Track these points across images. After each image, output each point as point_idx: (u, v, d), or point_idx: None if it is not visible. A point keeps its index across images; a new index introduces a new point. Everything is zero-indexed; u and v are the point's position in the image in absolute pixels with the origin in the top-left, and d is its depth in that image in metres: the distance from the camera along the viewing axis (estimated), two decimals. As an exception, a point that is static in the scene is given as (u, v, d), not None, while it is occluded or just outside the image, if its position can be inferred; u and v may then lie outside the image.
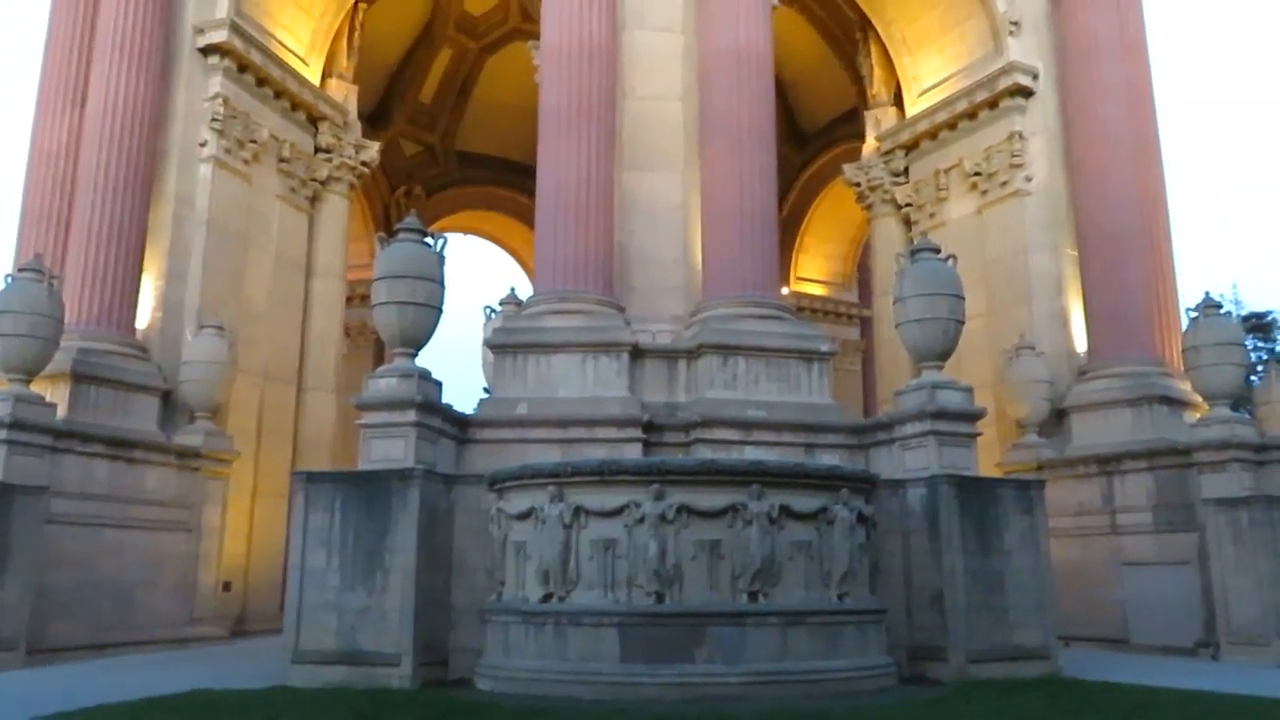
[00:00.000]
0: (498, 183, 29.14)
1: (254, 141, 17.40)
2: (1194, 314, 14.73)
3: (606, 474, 9.89)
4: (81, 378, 13.91)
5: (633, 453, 12.41)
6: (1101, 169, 17.09)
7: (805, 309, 27.10)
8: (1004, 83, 18.04)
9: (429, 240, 11.94)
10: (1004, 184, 18.17)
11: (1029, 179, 17.90)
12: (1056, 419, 16.72)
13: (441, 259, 11.88)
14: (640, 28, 15.14)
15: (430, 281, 11.58)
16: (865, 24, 21.46)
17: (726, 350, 13.31)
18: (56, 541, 12.89)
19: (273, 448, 17.53)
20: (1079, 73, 17.62)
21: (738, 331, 13.42)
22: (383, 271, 11.58)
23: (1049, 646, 11.52)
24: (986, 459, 14.81)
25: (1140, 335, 16.54)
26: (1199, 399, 15.33)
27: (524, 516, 10.16)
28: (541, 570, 9.85)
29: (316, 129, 19.25)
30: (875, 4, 20.44)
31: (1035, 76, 18.07)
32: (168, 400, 15.27)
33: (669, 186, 14.70)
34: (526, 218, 25.03)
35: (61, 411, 13.55)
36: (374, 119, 25.63)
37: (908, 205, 20.21)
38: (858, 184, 20.92)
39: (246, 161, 17.29)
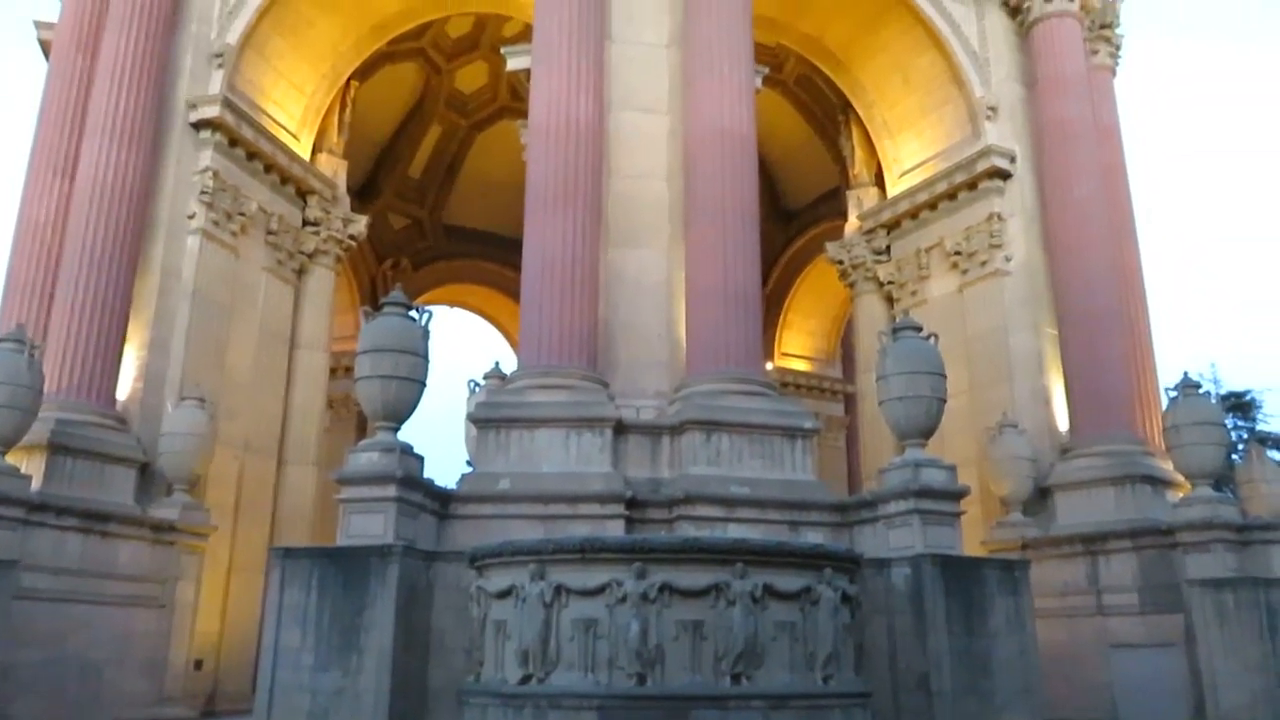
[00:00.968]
0: (484, 256, 29.36)
1: (242, 214, 17.52)
2: (1173, 393, 14.86)
3: (588, 552, 9.77)
4: (58, 449, 13.75)
5: (616, 529, 12.29)
6: (1079, 249, 17.40)
7: (789, 385, 27.17)
8: (982, 165, 18.44)
9: (414, 314, 11.97)
10: (984, 263, 18.45)
11: (1008, 259, 18.18)
12: (1040, 497, 16.71)
13: (426, 333, 11.91)
14: (627, 109, 15.46)
15: (414, 355, 11.59)
16: (847, 107, 21.98)
17: (710, 426, 13.30)
18: (24, 617, 12.57)
19: (250, 522, 17.28)
20: (1055, 156, 18.05)
21: (721, 408, 13.42)
22: (366, 345, 11.58)
23: (1037, 731, 11.33)
24: (971, 537, 14.75)
25: (1121, 414, 16.65)
26: (1181, 478, 15.38)
27: (504, 595, 10.00)
28: (521, 650, 9.66)
29: (305, 202, 19.41)
30: (856, 88, 20.96)
31: (1013, 159, 18.49)
32: (145, 472, 15.07)
33: (654, 263, 14.86)
34: (512, 291, 25.17)
35: (36, 483, 13.35)
36: (363, 193, 25.91)
37: (890, 283, 20.45)
38: (840, 262, 21.19)
39: (234, 234, 17.38)
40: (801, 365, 28.74)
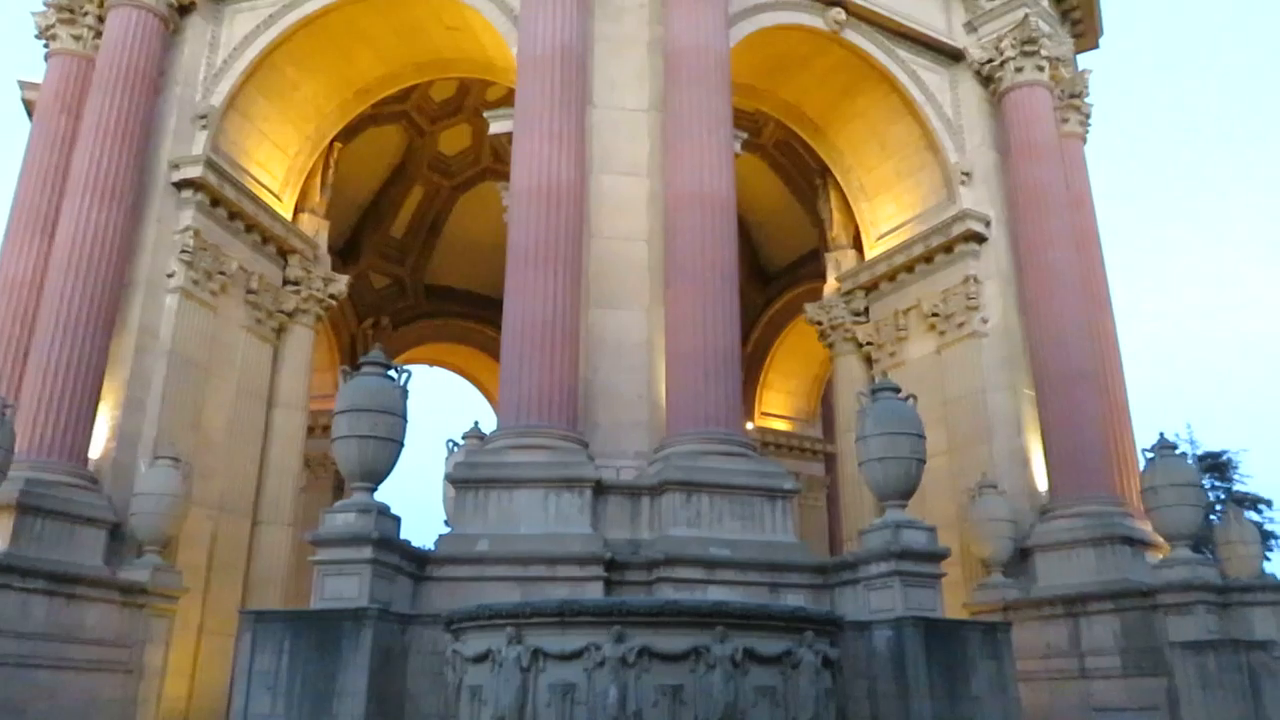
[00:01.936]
0: (465, 316, 29.41)
1: (223, 273, 17.50)
2: (1150, 455, 14.95)
3: (566, 615, 9.63)
4: (27, 509, 13.49)
5: (595, 591, 12.14)
6: (1054, 312, 17.61)
7: (770, 444, 27.19)
8: (957, 229, 18.73)
9: (392, 373, 11.94)
10: (961, 325, 18.63)
11: (985, 320, 18.37)
12: (1021, 558, 16.66)
13: (405, 392, 11.87)
14: (607, 172, 15.65)
15: (392, 415, 11.53)
16: (825, 171, 22.34)
17: (690, 487, 13.24)
18: (-15, 684, 12.24)
19: (222, 584, 16.96)
20: (1028, 221, 18.37)
21: (701, 468, 13.38)
22: (344, 405, 11.52)
23: (1022, 799, 11.15)
24: (952, 599, 14.66)
25: (1099, 475, 16.71)
26: (1160, 539, 15.40)
27: (480, 659, 9.82)
28: (497, 717, 9.44)
29: (286, 262, 19.42)
30: (833, 153, 21.33)
31: (987, 224, 18.79)
32: (116, 533, 14.80)
33: (634, 324, 14.92)
34: (493, 350, 25.18)
35: (3, 544, 13.10)
36: (344, 252, 26.00)
37: (869, 344, 20.59)
38: (819, 323, 21.34)
39: (214, 293, 17.35)
40: (782, 425, 28.78)
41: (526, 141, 14.83)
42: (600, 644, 9.30)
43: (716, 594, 12.09)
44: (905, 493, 12.53)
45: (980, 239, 18.74)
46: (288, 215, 19.64)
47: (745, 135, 16.95)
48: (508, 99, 16.94)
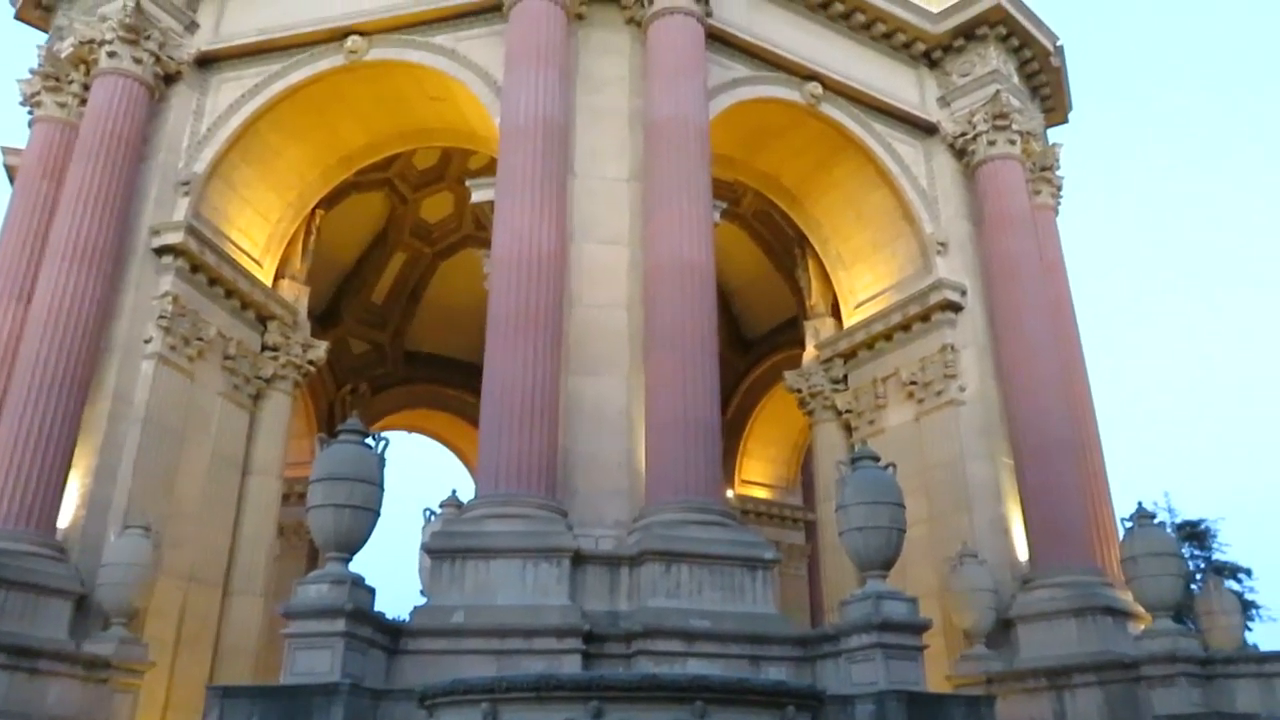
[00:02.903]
0: (445, 382, 29.31)
1: (200, 339, 17.39)
2: (1129, 524, 14.94)
3: (543, 690, 9.41)
4: (-10, 580, 13.17)
5: (572, 664, 11.92)
6: (1030, 381, 17.74)
7: (750, 512, 27.02)
8: (934, 298, 18.93)
9: (370, 441, 11.83)
10: (939, 393, 18.73)
11: (963, 389, 18.47)
12: (1003, 628, 16.52)
13: (382, 460, 11.75)
14: (588, 240, 15.77)
15: (368, 484, 11.39)
16: (803, 240, 22.61)
17: (670, 557, 13.10)
18: (-61, 764, 11.80)
19: (191, 657, 16.50)
20: (1003, 290, 18.61)
21: (681, 538, 13.26)
22: (320, 473, 11.38)
23: None
24: (934, 670, 14.46)
25: (1079, 544, 16.68)
26: (1141, 610, 15.31)
27: (455, 736, 9.57)
28: (471, 797, 9.19)
29: (265, 327, 19.33)
30: (811, 223, 21.63)
31: (963, 293, 19.02)
32: (82, 604, 14.42)
33: (614, 391, 14.90)
34: (472, 417, 25.07)
35: (-36, 616, 12.74)
36: (324, 318, 25.96)
37: (848, 412, 20.63)
38: (799, 390, 21.40)
39: (191, 358, 17.21)
40: (762, 493, 28.65)
41: (508, 210, 14.95)
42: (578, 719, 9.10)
43: (696, 667, 11.88)
44: (886, 563, 12.44)
45: (957, 308, 18.94)
46: (268, 281, 19.62)
47: (724, 205, 17.16)
48: (490, 168, 17.14)
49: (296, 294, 20.50)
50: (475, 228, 26.47)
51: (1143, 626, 15.17)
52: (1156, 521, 15.04)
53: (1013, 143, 19.71)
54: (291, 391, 19.89)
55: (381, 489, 11.61)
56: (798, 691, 10.37)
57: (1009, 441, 17.93)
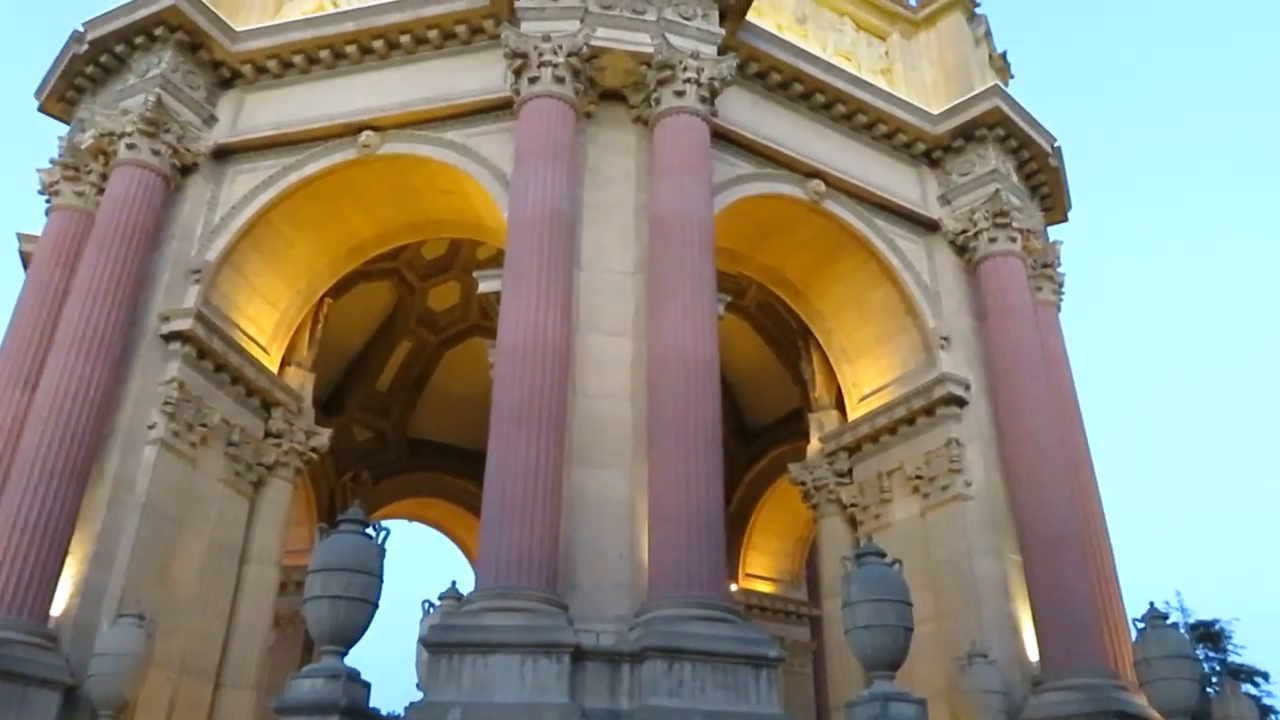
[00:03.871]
0: (447, 470, 29.18)
1: (204, 425, 17.39)
2: (1141, 624, 14.64)
3: (540, 794, 9.14)
4: (-22, 670, 12.91)
5: (571, 767, 11.55)
6: (1036, 476, 17.60)
7: (754, 607, 26.58)
8: (938, 392, 18.94)
9: (370, 531, 11.71)
10: (945, 488, 18.57)
11: (968, 483, 18.32)
12: (1014, 732, 16.04)
13: (382, 551, 11.61)
14: (593, 331, 15.86)
15: (367, 575, 11.23)
16: (806, 333, 22.75)
17: (672, 654, 12.79)
18: None
19: (179, 753, 16.07)
20: (1007, 385, 18.62)
21: (683, 634, 12.97)
22: (319, 564, 11.24)
23: None
24: (945, 777, 14.02)
25: (1090, 644, 16.32)
26: (1156, 714, 14.89)
27: (447, 842, 9.23)
28: None
29: (269, 414, 19.34)
30: (815, 316, 21.79)
31: (967, 387, 19.02)
32: (71, 695, 14.09)
33: (617, 483, 14.78)
34: (474, 506, 24.87)
35: (-51, 708, 12.45)
36: (328, 404, 26.00)
37: (853, 505, 20.44)
38: (803, 483, 21.25)
39: (194, 444, 17.18)
40: (766, 587, 28.22)
41: (514, 300, 15.08)
42: (575, 827, 8.79)
43: (698, 770, 11.50)
44: (893, 663, 12.14)
45: (961, 402, 18.93)
46: (274, 368, 19.71)
47: (729, 297, 17.30)
48: (497, 259, 17.35)
49: (302, 381, 20.57)
50: (481, 317, 26.73)
51: (1158, 732, 14.73)
52: (1169, 622, 14.74)
53: (1013, 240, 19.97)
54: (293, 479, 19.80)
55: (381, 580, 11.44)
56: (803, 798, 10.03)
57: (1016, 537, 17.70)
